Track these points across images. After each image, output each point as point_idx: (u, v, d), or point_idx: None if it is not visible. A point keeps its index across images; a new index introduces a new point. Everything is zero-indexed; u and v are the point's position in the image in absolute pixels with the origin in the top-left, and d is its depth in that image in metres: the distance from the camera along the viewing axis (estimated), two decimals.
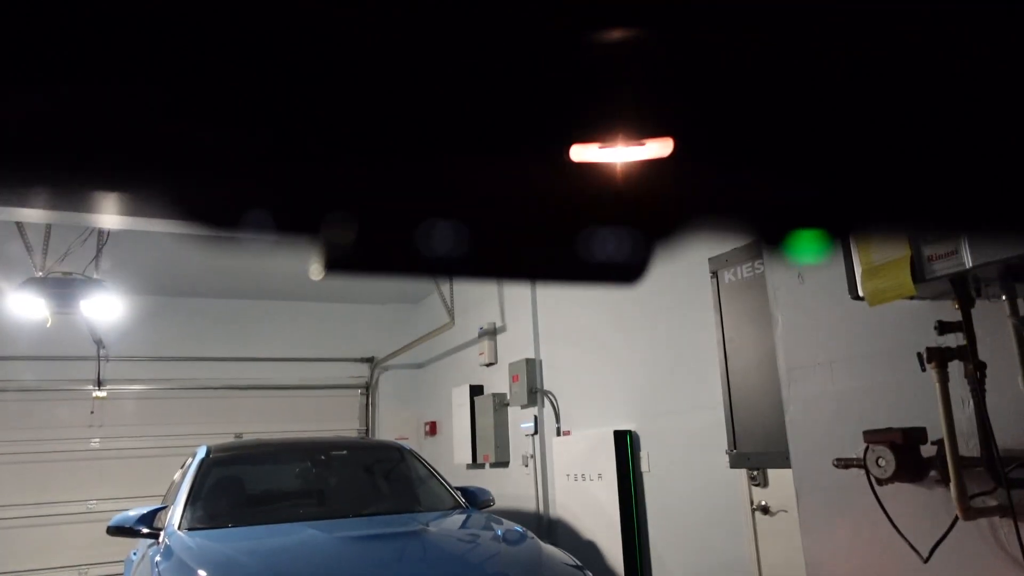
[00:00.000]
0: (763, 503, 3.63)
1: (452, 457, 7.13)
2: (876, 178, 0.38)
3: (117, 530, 3.78)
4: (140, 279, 6.71)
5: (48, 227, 4.89)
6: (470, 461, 6.84)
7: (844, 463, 2.46)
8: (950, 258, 1.94)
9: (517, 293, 6.45)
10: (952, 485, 2.07)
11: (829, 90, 0.35)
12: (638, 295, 4.83)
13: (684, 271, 4.14)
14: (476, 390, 6.97)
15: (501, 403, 6.51)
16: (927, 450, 2.23)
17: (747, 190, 0.38)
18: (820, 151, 0.38)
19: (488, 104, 0.31)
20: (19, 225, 4.93)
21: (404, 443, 5.22)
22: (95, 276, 5.14)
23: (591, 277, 0.40)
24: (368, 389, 8.75)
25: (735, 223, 0.39)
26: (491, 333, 6.83)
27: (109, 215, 3.26)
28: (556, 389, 5.82)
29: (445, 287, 7.52)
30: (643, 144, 0.35)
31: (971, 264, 1.89)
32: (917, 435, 2.24)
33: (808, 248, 0.39)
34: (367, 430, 8.64)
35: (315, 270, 0.33)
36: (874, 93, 0.36)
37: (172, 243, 5.57)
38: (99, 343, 7.33)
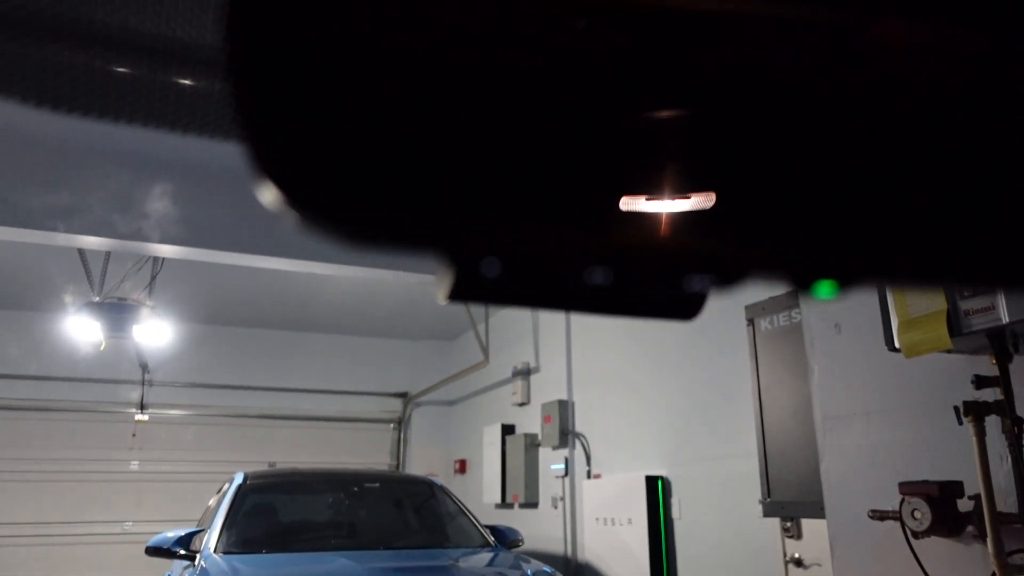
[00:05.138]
0: (797, 556, 3.58)
1: (481, 496, 7.12)
2: (913, 233, 0.40)
3: (155, 551, 3.88)
4: (185, 307, 6.93)
5: (107, 254, 5.12)
6: (499, 501, 6.83)
7: (880, 515, 2.44)
8: (987, 313, 1.96)
9: (551, 333, 6.50)
10: (989, 541, 2.06)
11: (869, 152, 0.38)
12: (673, 340, 4.85)
13: (719, 318, 4.17)
14: (508, 429, 6.99)
15: (532, 443, 6.52)
16: (965, 504, 2.22)
17: (786, 241, 0.40)
18: (857, 205, 0.40)
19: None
20: (80, 252, 5.18)
21: (435, 479, 5.26)
22: (148, 303, 5.34)
23: (652, 311, 0.45)
24: (400, 424, 8.81)
25: (773, 273, 0.41)
26: (524, 373, 6.86)
27: (170, 245, 3.38)
28: (588, 431, 5.82)
29: (481, 325, 7.60)
30: (687, 197, 0.38)
31: (1008, 319, 1.91)
32: (954, 489, 2.23)
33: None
34: (398, 465, 8.68)
35: (440, 296, 0.39)
36: (913, 155, 0.38)
37: (218, 273, 5.77)
38: (144, 367, 7.55)
